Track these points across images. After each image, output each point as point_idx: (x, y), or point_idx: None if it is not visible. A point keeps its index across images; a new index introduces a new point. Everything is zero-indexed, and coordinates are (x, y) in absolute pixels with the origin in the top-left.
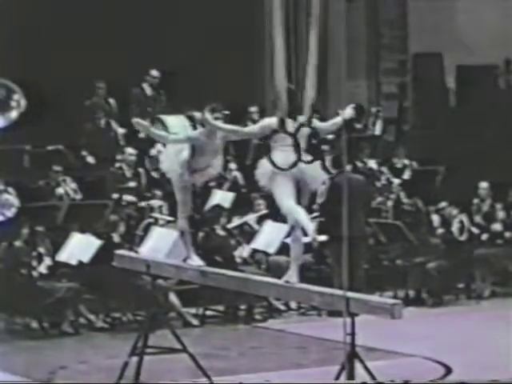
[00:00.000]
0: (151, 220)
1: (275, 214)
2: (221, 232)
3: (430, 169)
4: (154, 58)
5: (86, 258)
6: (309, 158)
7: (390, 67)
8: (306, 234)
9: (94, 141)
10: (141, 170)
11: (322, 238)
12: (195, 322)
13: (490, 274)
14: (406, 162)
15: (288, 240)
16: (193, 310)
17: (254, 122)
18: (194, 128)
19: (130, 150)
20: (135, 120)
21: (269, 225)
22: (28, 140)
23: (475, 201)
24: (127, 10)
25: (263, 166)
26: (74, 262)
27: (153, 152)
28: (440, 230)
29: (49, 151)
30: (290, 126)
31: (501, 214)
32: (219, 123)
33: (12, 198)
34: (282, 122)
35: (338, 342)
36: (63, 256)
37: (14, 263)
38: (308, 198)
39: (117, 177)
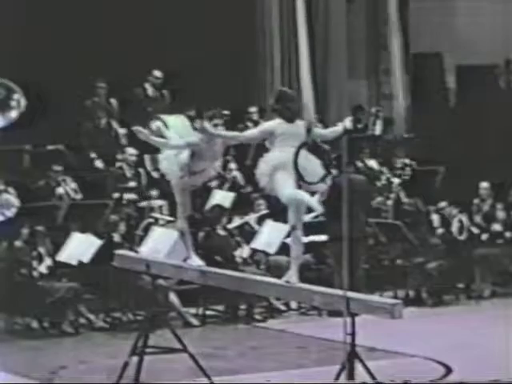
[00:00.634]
0: (151, 220)
1: (275, 214)
2: (221, 232)
3: (429, 169)
4: (155, 58)
5: (86, 258)
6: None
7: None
8: (305, 235)
9: (94, 141)
10: (141, 169)
11: (322, 237)
12: (195, 321)
13: (490, 274)
14: (406, 161)
15: (288, 240)
16: (193, 310)
17: (254, 122)
18: (195, 128)
19: (130, 150)
20: (135, 128)
21: (269, 225)
22: (28, 140)
23: (475, 201)
24: (128, 10)
25: (261, 165)
26: (74, 262)
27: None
28: (440, 230)
29: (49, 151)
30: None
31: (501, 214)
32: (218, 131)
33: (12, 197)
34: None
35: (338, 342)
36: (63, 256)
37: (14, 263)
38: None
39: (117, 176)
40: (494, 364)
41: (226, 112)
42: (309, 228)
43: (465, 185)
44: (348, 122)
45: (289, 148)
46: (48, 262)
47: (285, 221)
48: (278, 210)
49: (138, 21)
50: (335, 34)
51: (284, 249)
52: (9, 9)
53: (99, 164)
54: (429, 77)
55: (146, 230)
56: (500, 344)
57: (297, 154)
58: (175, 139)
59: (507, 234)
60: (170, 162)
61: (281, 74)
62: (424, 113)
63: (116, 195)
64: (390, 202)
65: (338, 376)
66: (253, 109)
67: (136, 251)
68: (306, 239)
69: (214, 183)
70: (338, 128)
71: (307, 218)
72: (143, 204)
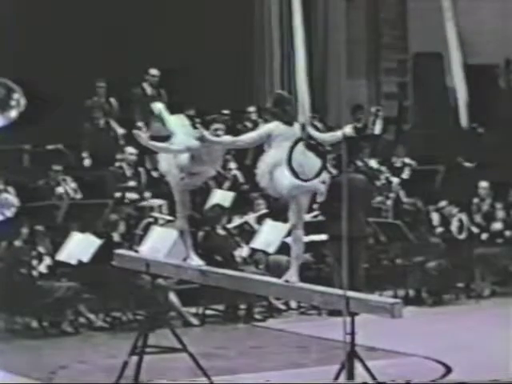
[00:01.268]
0: (151, 219)
1: (275, 213)
2: (221, 231)
3: (429, 168)
4: (155, 57)
5: (85, 258)
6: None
7: (390, 67)
8: (305, 234)
9: (93, 140)
10: (141, 169)
11: (322, 237)
12: (195, 321)
13: (490, 274)
14: (406, 161)
15: (288, 239)
16: (193, 310)
17: (253, 122)
18: (194, 127)
19: (130, 150)
20: (135, 132)
21: (269, 224)
22: (28, 139)
23: (475, 200)
24: (127, 9)
25: (261, 165)
26: (73, 262)
27: None
28: (440, 229)
29: (48, 150)
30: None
31: (501, 214)
32: (217, 139)
33: (12, 197)
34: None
35: (337, 342)
36: (63, 255)
37: (13, 263)
38: (309, 197)
39: (117, 176)
40: (493, 363)
41: (225, 112)
42: (309, 227)
43: (464, 184)
44: (348, 129)
45: (287, 145)
46: (48, 261)
47: (284, 220)
48: (277, 210)
49: (138, 21)
50: (335, 34)
51: (284, 248)
52: (9, 9)
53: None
54: (429, 76)
55: (146, 229)
56: (500, 343)
57: (291, 151)
58: (175, 143)
59: (507, 234)
60: (169, 163)
61: (280, 74)
62: (424, 112)
63: (116, 195)
64: (389, 202)
65: (337, 375)
66: (251, 108)
67: (136, 251)
68: (306, 239)
69: (214, 182)
70: (338, 134)
71: (307, 217)
72: (143, 203)
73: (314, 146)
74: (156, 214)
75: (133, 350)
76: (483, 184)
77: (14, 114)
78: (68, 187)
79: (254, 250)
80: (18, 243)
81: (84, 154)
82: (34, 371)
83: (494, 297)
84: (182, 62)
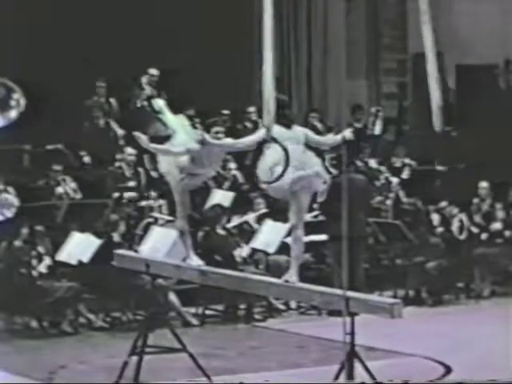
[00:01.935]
0: (151, 219)
1: (275, 213)
2: (220, 231)
3: (429, 168)
4: (155, 57)
5: (85, 258)
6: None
7: (390, 67)
8: (305, 234)
9: (93, 140)
10: (140, 169)
11: (322, 237)
12: (195, 321)
13: (490, 274)
14: (406, 161)
15: (288, 239)
16: (192, 310)
17: (253, 122)
18: (194, 127)
19: (129, 150)
20: (136, 133)
21: (268, 224)
22: (28, 139)
23: (475, 200)
24: (127, 9)
25: (261, 165)
26: (73, 262)
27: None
28: (440, 230)
29: (48, 150)
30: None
31: (500, 214)
32: (217, 141)
33: (11, 197)
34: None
35: (337, 342)
36: (63, 255)
37: (13, 263)
38: (309, 197)
39: (116, 176)
40: (493, 363)
41: (224, 112)
42: (309, 227)
43: (464, 184)
44: (348, 133)
45: (285, 145)
46: (47, 261)
47: (284, 220)
48: (277, 210)
49: (138, 20)
50: (334, 34)
51: (284, 248)
52: (9, 9)
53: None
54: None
55: (146, 229)
56: (500, 343)
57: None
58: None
59: (507, 234)
60: (169, 164)
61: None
62: (424, 112)
63: (115, 195)
64: (389, 202)
65: (337, 376)
66: (251, 109)
67: (135, 251)
68: (305, 239)
69: (213, 183)
70: (337, 137)
71: (308, 217)
72: (143, 203)
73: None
74: (156, 214)
75: (132, 350)
76: (483, 184)
77: (13, 114)
78: (68, 187)
79: (253, 250)
80: (17, 243)
81: (84, 154)
82: (33, 371)
83: (494, 297)
84: (181, 62)
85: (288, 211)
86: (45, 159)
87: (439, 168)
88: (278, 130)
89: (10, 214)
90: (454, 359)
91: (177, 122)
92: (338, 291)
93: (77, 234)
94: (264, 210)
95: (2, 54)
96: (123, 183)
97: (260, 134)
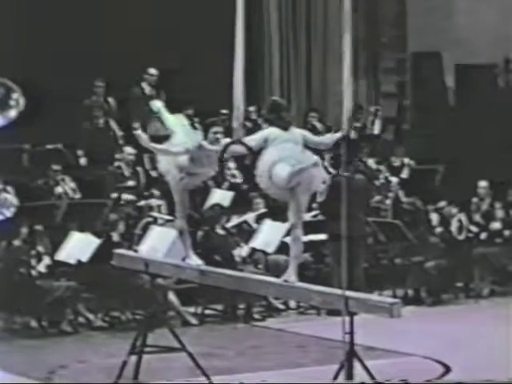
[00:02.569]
0: (150, 219)
1: (274, 212)
2: (220, 231)
3: (429, 168)
4: (154, 57)
5: (84, 257)
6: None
7: (389, 66)
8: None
9: (92, 140)
10: (139, 169)
11: (321, 237)
12: (194, 321)
13: (489, 273)
14: (405, 160)
15: (287, 239)
16: (191, 309)
17: (252, 121)
18: (193, 127)
19: (128, 150)
20: (136, 133)
21: (268, 224)
22: (27, 139)
23: (474, 200)
24: (127, 9)
25: (260, 165)
26: (72, 261)
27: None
28: (439, 229)
29: (48, 150)
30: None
31: (500, 213)
32: (216, 147)
33: (11, 197)
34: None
35: (337, 341)
36: (62, 255)
37: (12, 262)
38: (308, 197)
39: (115, 176)
40: (493, 363)
41: (224, 111)
42: (308, 227)
43: (464, 184)
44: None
45: (284, 145)
46: (47, 261)
47: (283, 220)
48: (276, 209)
49: (137, 20)
50: (334, 33)
51: (283, 248)
52: (8, 8)
53: (86, 162)
54: (428, 76)
55: (145, 229)
56: (499, 343)
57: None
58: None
59: (506, 233)
60: (169, 163)
61: (279, 74)
62: (423, 112)
63: (115, 195)
64: (388, 201)
65: (336, 375)
66: (251, 108)
67: (135, 250)
68: (305, 238)
69: (212, 182)
70: (335, 136)
71: (307, 217)
72: (142, 203)
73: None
74: (155, 214)
75: (132, 350)
76: (482, 183)
77: (13, 113)
78: (67, 187)
79: (253, 250)
80: (17, 243)
81: (82, 154)
82: (33, 371)
83: (493, 296)
84: (180, 62)
85: (287, 211)
86: (44, 159)
87: (439, 167)
88: (275, 133)
89: (9, 213)
90: (453, 359)
91: (176, 122)
92: (338, 291)
93: (76, 234)
94: (263, 210)
95: (1, 53)
96: (122, 183)
97: (257, 138)
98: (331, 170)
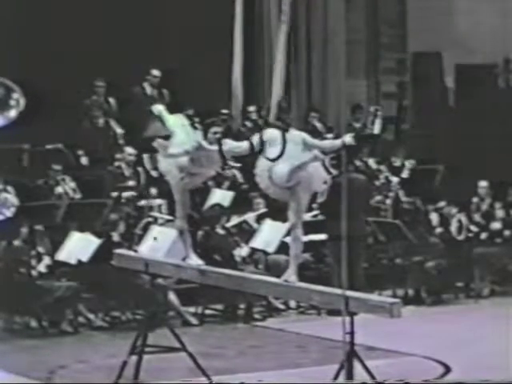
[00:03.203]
0: (150, 219)
1: (274, 212)
2: (220, 231)
3: (429, 168)
4: (155, 57)
5: (85, 257)
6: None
7: (390, 66)
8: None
9: (92, 140)
10: (140, 169)
11: (321, 236)
12: (194, 321)
13: (489, 273)
14: (406, 160)
15: (287, 239)
16: (192, 309)
17: (253, 121)
18: (193, 127)
19: (129, 150)
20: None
21: (268, 224)
22: (27, 139)
23: (474, 200)
24: (127, 9)
25: (260, 164)
26: (73, 261)
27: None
28: (439, 229)
29: (48, 150)
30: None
31: (500, 213)
32: (217, 147)
33: (11, 197)
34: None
35: (337, 341)
36: (62, 255)
37: (13, 262)
38: (309, 197)
39: (115, 176)
40: (493, 363)
41: (224, 111)
42: (308, 227)
43: (464, 184)
44: (348, 138)
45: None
46: (47, 261)
47: (284, 220)
48: (276, 209)
49: (138, 20)
50: (334, 33)
51: (283, 248)
52: (8, 8)
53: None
54: (428, 76)
55: (145, 229)
56: (499, 343)
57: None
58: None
59: (506, 233)
60: (169, 163)
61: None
62: (423, 112)
63: (115, 194)
64: (388, 201)
65: (336, 375)
66: (251, 108)
67: (135, 250)
68: (305, 238)
69: (213, 182)
70: (337, 142)
71: (307, 216)
72: (142, 203)
73: None
74: (155, 214)
75: (132, 350)
76: (482, 183)
77: (13, 113)
78: (67, 187)
79: (253, 250)
80: (17, 243)
81: (82, 154)
82: (33, 371)
83: (493, 296)
84: (181, 62)
85: (287, 211)
86: (44, 159)
87: (439, 167)
88: (274, 134)
89: (9, 213)
90: (454, 358)
91: (176, 123)
92: (338, 291)
93: (76, 234)
94: (263, 210)
95: (2, 53)
96: (122, 183)
97: (256, 139)
98: (332, 170)
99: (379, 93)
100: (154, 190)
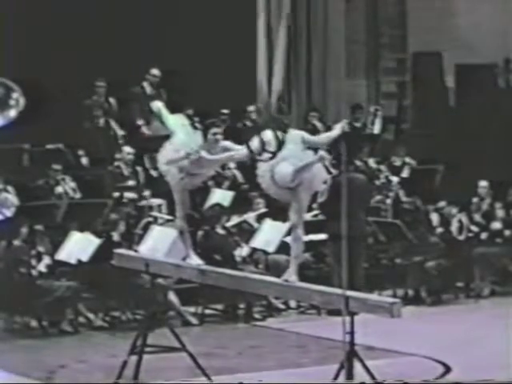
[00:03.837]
0: (150, 219)
1: (274, 212)
2: (220, 231)
3: (429, 168)
4: (155, 57)
5: (85, 257)
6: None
7: (390, 66)
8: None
9: (93, 140)
10: (139, 168)
11: (321, 236)
12: (194, 320)
13: (490, 273)
14: (406, 160)
15: (288, 239)
16: (192, 309)
17: (252, 121)
18: (193, 127)
19: (127, 149)
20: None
21: (268, 223)
22: (27, 139)
23: (474, 199)
24: (127, 9)
25: (262, 165)
26: (73, 261)
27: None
28: (439, 229)
29: (48, 150)
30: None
31: (500, 213)
32: (215, 156)
33: (11, 196)
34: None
35: (337, 341)
36: (62, 255)
37: (13, 262)
38: (310, 196)
39: (115, 176)
40: (493, 363)
41: (224, 111)
42: (308, 227)
43: (464, 184)
44: (341, 124)
45: (284, 146)
46: (47, 260)
47: (284, 219)
48: (277, 209)
49: (138, 20)
50: (334, 34)
51: (283, 247)
52: (8, 8)
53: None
54: (428, 76)
55: (145, 228)
56: (499, 343)
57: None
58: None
59: (506, 233)
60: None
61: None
62: (423, 112)
63: (115, 194)
64: (389, 201)
65: (336, 375)
66: (251, 108)
67: (135, 250)
68: (305, 238)
69: (213, 182)
70: (331, 134)
71: (307, 216)
72: (142, 203)
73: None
74: (155, 214)
75: (132, 350)
76: (483, 183)
77: (13, 113)
78: (67, 187)
79: (253, 250)
80: (17, 243)
81: (83, 154)
82: (33, 371)
83: (494, 296)
84: (181, 62)
85: (288, 211)
86: (44, 159)
87: (439, 167)
88: (272, 135)
89: (9, 213)
90: (454, 358)
91: (176, 123)
92: (338, 291)
93: (76, 234)
94: (263, 210)
95: (2, 53)
96: (122, 183)
97: (254, 143)
98: (332, 169)
99: (379, 93)
100: (154, 190)
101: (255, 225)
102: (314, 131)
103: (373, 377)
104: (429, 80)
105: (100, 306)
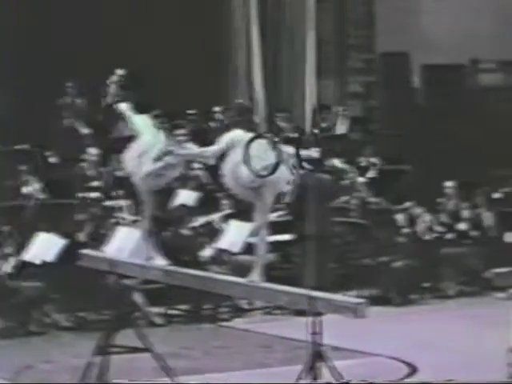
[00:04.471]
0: (116, 219)
1: (240, 213)
2: (185, 231)
3: (396, 168)
4: (121, 57)
5: (49, 258)
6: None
7: (357, 66)
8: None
9: (60, 140)
10: (105, 169)
11: (286, 237)
12: (159, 321)
13: (456, 273)
14: (372, 160)
15: (252, 239)
16: (157, 310)
17: (218, 121)
18: (159, 128)
19: (92, 151)
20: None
21: (233, 224)
22: None
23: (441, 200)
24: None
25: (226, 166)
26: (38, 262)
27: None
28: (406, 230)
29: (16, 150)
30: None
31: (466, 213)
32: (186, 151)
33: None
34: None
35: (303, 342)
36: (27, 256)
37: None
38: (274, 197)
39: (82, 176)
40: (460, 363)
41: (190, 112)
42: (274, 227)
43: (431, 184)
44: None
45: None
46: (13, 261)
47: (249, 220)
48: (242, 210)
49: (107, 21)
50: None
51: (248, 248)
52: None
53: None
54: (395, 76)
55: (111, 229)
56: (466, 343)
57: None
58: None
59: (472, 233)
60: (134, 164)
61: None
62: (390, 112)
63: (81, 195)
64: (355, 202)
65: (301, 375)
66: (217, 108)
67: (101, 250)
68: (270, 238)
69: (177, 183)
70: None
71: (273, 217)
72: (108, 203)
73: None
74: (121, 214)
75: (97, 350)
76: (449, 184)
77: None
78: (34, 187)
79: (218, 250)
80: None
81: (51, 154)
82: None
83: (461, 297)
84: (148, 62)
85: (252, 211)
86: (12, 159)
87: (406, 168)
88: (241, 135)
89: None
90: (420, 359)
91: (142, 124)
92: (303, 291)
93: (42, 234)
94: (229, 211)
95: None
96: (88, 183)
97: (224, 142)
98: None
99: (346, 93)
100: (119, 191)
101: (221, 225)
102: (278, 132)
103: (338, 377)
104: (396, 80)
105: (67, 306)
